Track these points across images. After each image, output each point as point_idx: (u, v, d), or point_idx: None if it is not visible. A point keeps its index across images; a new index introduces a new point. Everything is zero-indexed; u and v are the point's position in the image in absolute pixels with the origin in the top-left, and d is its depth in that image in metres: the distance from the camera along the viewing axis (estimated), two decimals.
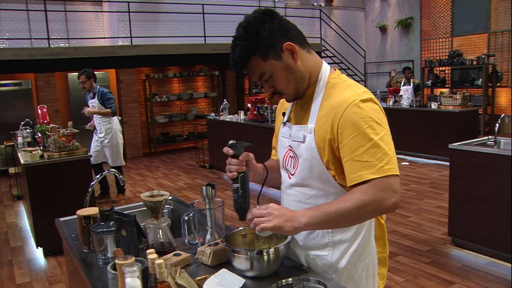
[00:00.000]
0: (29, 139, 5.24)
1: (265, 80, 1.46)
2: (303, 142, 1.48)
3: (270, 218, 1.33)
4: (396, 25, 13.20)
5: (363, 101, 1.37)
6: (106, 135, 6.17)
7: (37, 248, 4.57)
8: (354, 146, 1.34)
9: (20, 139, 5.45)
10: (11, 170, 6.89)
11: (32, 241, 4.84)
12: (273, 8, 1.47)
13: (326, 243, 1.51)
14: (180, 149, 10.99)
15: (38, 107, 5.60)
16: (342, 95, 1.41)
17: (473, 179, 3.95)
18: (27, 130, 5.66)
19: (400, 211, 5.20)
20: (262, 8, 1.44)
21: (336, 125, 1.38)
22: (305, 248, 1.56)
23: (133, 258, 1.34)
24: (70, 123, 5.05)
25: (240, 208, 1.50)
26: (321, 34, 13.11)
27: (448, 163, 4.29)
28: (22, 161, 4.41)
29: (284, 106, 1.69)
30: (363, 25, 14.48)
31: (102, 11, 10.74)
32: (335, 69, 1.54)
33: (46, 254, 4.46)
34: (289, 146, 1.56)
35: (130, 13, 9.96)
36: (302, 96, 1.51)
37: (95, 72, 9.42)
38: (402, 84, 9.26)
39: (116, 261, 1.33)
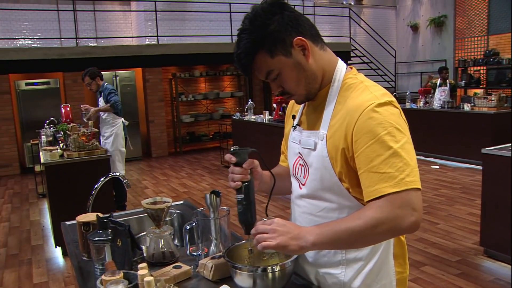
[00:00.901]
0: (51, 138, 5.25)
1: (272, 79, 1.31)
2: (314, 150, 1.33)
3: (274, 235, 1.19)
4: (428, 23, 12.80)
5: (381, 104, 1.21)
6: (106, 138, 5.67)
7: (56, 247, 4.57)
8: (371, 156, 1.18)
9: (43, 138, 5.47)
10: (37, 168, 6.97)
11: (52, 240, 4.84)
12: (289, 4, 1.31)
13: (339, 261, 1.36)
14: (206, 148, 10.95)
15: (62, 106, 5.62)
16: (358, 98, 1.25)
17: (507, 185, 3.69)
18: (51, 128, 5.68)
19: (429, 218, 4.96)
20: None
21: (350, 133, 1.22)
22: (315, 265, 1.41)
23: (121, 274, 1.23)
24: (90, 122, 5.03)
25: (246, 221, 1.37)
26: (350, 33, 12.84)
27: (481, 167, 4.04)
28: (42, 160, 4.40)
29: (294, 108, 1.53)
30: (394, 24, 14.12)
31: (130, 10, 10.80)
32: (351, 68, 1.39)
33: (64, 254, 4.44)
34: (299, 153, 1.41)
35: (157, 12, 9.98)
36: (313, 97, 1.36)
37: (122, 71, 9.63)
38: (438, 85, 8.89)
39: (103, 277, 1.23)
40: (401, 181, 1.15)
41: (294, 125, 1.47)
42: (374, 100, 1.22)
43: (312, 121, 1.39)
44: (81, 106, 5.64)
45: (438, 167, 7.51)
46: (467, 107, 7.64)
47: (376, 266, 1.34)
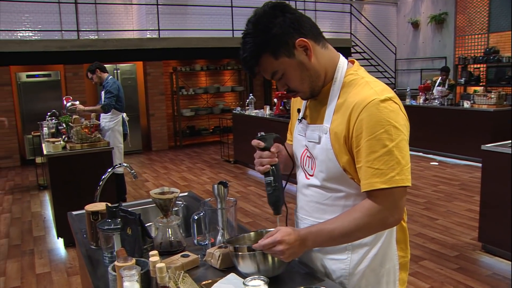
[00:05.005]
0: (53, 130, 5.27)
1: (277, 78, 1.37)
2: (319, 143, 1.39)
3: (285, 255, 1.31)
4: (429, 20, 12.81)
5: (382, 101, 1.26)
6: (103, 133, 5.41)
7: (57, 238, 4.60)
8: (367, 151, 1.26)
9: (45, 130, 5.49)
10: (38, 160, 7.00)
11: (54, 232, 4.87)
12: (286, 2, 1.36)
13: (345, 247, 1.41)
14: (206, 143, 10.98)
15: (64, 98, 5.63)
16: (359, 94, 1.31)
17: (506, 182, 3.73)
18: (53, 120, 5.70)
19: (428, 213, 5.00)
20: (273, 1, 1.33)
21: (352, 127, 1.29)
22: (322, 252, 1.47)
23: (133, 261, 1.26)
24: (93, 114, 5.05)
25: (276, 201, 1.43)
26: (351, 29, 12.85)
27: (479, 164, 4.08)
28: (45, 152, 4.43)
29: (298, 101, 1.59)
30: (395, 21, 14.13)
31: (131, 3, 10.79)
32: (353, 62, 1.43)
33: (66, 245, 4.48)
34: (306, 145, 1.46)
35: (159, 6, 9.97)
36: (317, 94, 1.41)
37: (123, 64, 9.63)
38: (437, 84, 8.93)
39: (116, 263, 1.26)
40: (391, 178, 1.24)
41: (299, 118, 1.51)
42: (375, 96, 1.27)
43: (315, 116, 1.45)
44: (71, 101, 5.50)
45: (437, 163, 7.55)
46: (466, 104, 7.68)
47: (381, 251, 1.40)
